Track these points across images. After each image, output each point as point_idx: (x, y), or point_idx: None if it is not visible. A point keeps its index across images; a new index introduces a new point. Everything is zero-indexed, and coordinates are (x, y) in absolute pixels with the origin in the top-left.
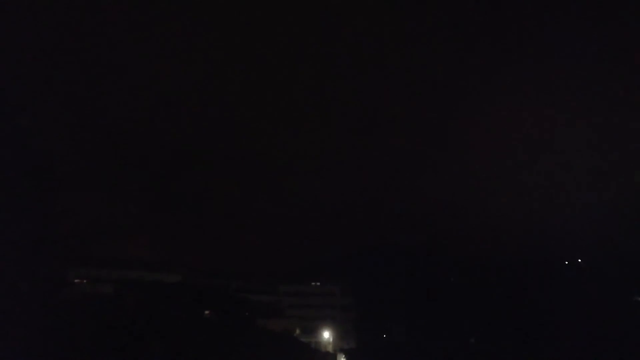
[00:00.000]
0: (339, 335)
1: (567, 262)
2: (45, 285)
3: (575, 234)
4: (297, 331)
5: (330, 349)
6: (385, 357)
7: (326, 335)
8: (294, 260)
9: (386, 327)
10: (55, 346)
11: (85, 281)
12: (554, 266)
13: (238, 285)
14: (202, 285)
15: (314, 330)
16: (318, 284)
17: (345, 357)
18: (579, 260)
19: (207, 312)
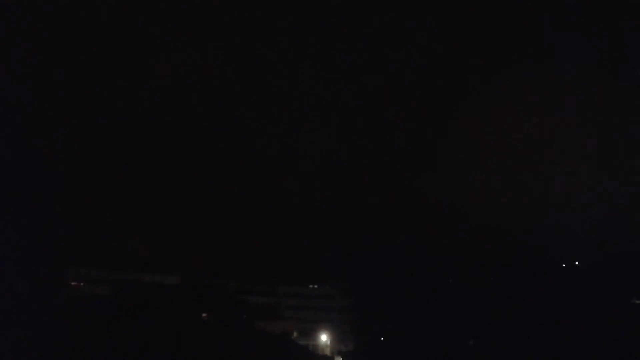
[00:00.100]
0: (337, 337)
1: (565, 265)
2: (44, 286)
3: (574, 236)
4: (295, 333)
5: (328, 351)
6: None
7: (324, 337)
8: (294, 260)
9: (384, 329)
10: (55, 347)
11: (84, 282)
12: (552, 268)
13: (237, 286)
14: (201, 286)
15: (312, 333)
16: (316, 286)
17: (343, 359)
18: (577, 263)
19: (205, 314)
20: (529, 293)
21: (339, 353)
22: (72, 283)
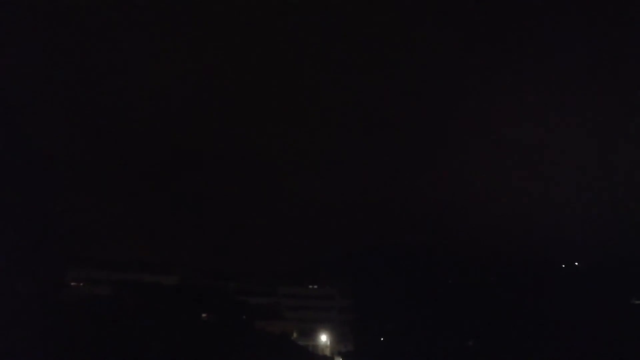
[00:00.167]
0: (336, 338)
1: (565, 265)
2: (44, 286)
3: (574, 236)
4: (295, 334)
5: (327, 352)
6: None
7: (324, 338)
8: (294, 260)
9: (384, 329)
10: (55, 347)
11: (84, 282)
12: (552, 268)
13: (237, 286)
14: (201, 287)
15: (312, 333)
16: (316, 286)
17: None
18: (577, 263)
19: (205, 314)
20: (528, 293)
21: (339, 353)
22: (72, 283)
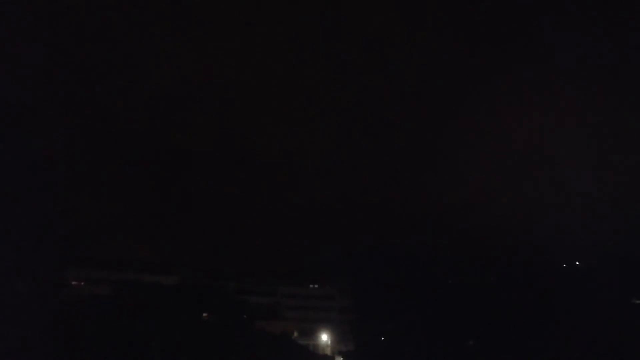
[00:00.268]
0: (337, 337)
1: (565, 265)
2: (44, 286)
3: (574, 236)
4: (295, 333)
5: (328, 351)
6: None
7: (324, 337)
8: (294, 260)
9: (384, 329)
10: (55, 347)
11: (84, 282)
12: (552, 268)
13: (237, 286)
14: (201, 286)
15: (313, 333)
16: (316, 286)
17: (343, 359)
18: (577, 263)
19: (205, 314)
20: (529, 293)
21: (339, 353)
22: (72, 283)
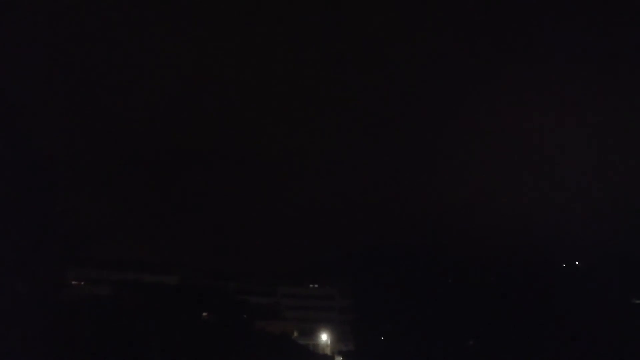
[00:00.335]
0: (337, 337)
1: (565, 265)
2: (44, 286)
3: (574, 236)
4: (295, 333)
5: (328, 351)
6: None
7: (324, 337)
8: (294, 260)
9: (384, 329)
10: (55, 347)
11: (84, 282)
12: (552, 268)
13: (237, 286)
14: (201, 286)
15: (313, 333)
16: (316, 286)
17: (343, 359)
18: (577, 263)
19: (205, 314)
20: (528, 293)
21: (339, 353)
22: (72, 283)
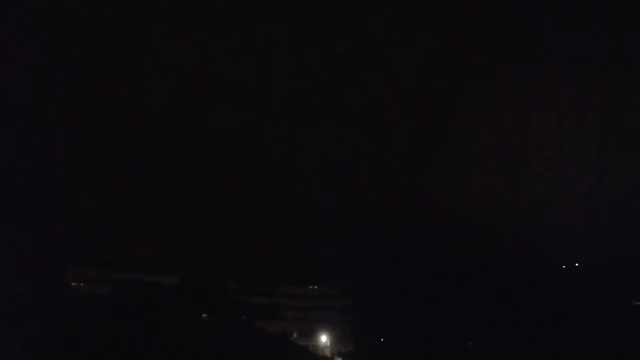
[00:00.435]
0: (336, 338)
1: (565, 265)
2: (44, 286)
3: (574, 236)
4: (295, 334)
5: (327, 352)
6: None
7: (324, 338)
8: (294, 260)
9: (384, 330)
10: (55, 347)
11: (84, 282)
12: (552, 269)
13: (237, 286)
14: (201, 287)
15: (312, 333)
16: (316, 286)
17: None
18: (577, 264)
19: (205, 314)
20: (528, 294)
21: (339, 354)
22: (72, 283)
